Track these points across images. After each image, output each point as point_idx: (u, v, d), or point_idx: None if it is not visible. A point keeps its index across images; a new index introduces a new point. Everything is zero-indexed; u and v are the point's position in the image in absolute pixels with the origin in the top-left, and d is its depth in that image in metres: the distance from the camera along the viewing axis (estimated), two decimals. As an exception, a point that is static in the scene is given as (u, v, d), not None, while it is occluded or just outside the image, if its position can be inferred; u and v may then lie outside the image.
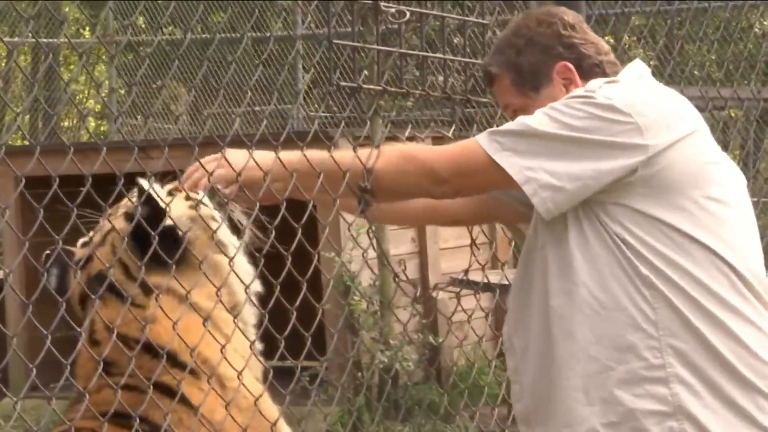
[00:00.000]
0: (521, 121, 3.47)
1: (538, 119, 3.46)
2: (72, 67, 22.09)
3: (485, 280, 4.84)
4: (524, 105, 3.64)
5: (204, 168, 3.62)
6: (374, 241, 3.77)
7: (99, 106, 21.22)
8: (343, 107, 13.88)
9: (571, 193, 3.40)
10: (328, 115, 15.25)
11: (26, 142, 18.46)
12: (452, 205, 3.92)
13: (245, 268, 3.73)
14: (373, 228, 3.95)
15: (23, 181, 3.14)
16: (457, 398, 9.30)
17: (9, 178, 10.91)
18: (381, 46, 3.96)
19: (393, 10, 3.83)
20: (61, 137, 19.58)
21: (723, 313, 3.43)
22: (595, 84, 3.55)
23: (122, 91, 19.07)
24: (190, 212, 3.63)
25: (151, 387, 3.42)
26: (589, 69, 3.65)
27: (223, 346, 3.51)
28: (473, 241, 4.53)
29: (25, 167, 3.35)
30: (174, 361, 3.54)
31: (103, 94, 19.85)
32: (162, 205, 3.54)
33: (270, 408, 3.66)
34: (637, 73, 3.68)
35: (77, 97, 22.15)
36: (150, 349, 3.52)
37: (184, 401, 3.51)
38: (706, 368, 3.41)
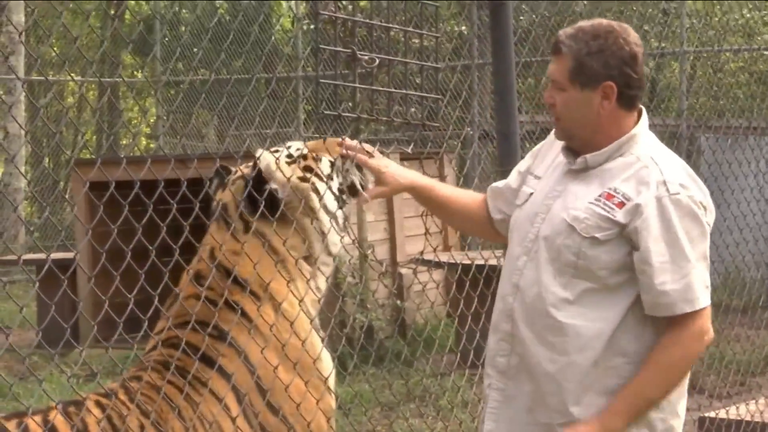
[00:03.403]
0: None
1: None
2: (128, 99, 22.02)
3: (436, 260, 4.80)
4: (565, 88, 3.39)
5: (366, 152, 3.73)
6: (352, 230, 3.74)
7: (148, 129, 21.13)
8: (329, 130, 13.85)
9: None
10: (318, 135, 15.20)
11: (92, 156, 18.34)
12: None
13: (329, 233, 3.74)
14: (355, 220, 3.95)
15: (88, 183, 3.13)
16: (416, 348, 9.29)
17: (81, 183, 10.87)
18: (357, 84, 3.94)
19: (366, 57, 3.81)
20: (118, 152, 19.51)
21: None
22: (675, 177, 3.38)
23: (165, 118, 19.01)
24: (294, 182, 3.66)
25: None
26: (625, 98, 3.38)
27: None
28: (427, 230, 4.50)
29: (89, 174, 3.34)
30: (243, 286, 3.57)
31: (151, 120, 19.75)
32: (274, 174, 3.62)
33: (313, 345, 3.64)
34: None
35: (132, 122, 22.08)
36: (229, 274, 3.56)
37: (247, 317, 3.53)
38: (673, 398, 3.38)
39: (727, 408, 6.98)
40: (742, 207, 7.73)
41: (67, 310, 9.65)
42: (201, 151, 15.73)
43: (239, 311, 3.52)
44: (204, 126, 19.18)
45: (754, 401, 7.18)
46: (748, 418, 6.75)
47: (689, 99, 13.53)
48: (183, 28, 19.55)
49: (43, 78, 18.27)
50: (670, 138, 13.44)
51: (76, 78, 19.14)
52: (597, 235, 3.33)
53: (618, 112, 3.39)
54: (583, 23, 3.45)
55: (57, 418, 3.22)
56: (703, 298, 3.31)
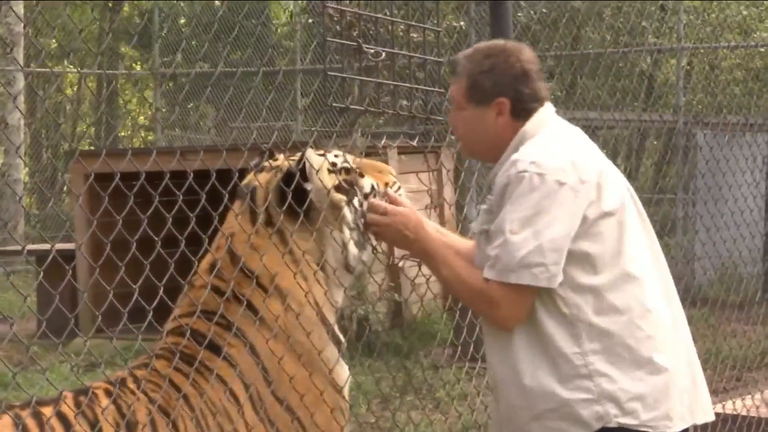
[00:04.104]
0: None
1: None
2: (127, 91, 22.00)
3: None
4: (464, 107, 3.50)
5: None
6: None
7: (147, 121, 21.13)
8: (333, 123, 13.85)
9: None
10: (321, 129, 15.21)
11: (92, 147, 18.34)
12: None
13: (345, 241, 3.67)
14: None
15: (93, 175, 3.13)
16: (416, 341, 9.31)
17: (80, 174, 10.85)
18: (363, 77, 3.94)
19: (372, 50, 3.81)
20: (117, 144, 19.51)
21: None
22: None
23: (164, 110, 19.00)
24: (333, 194, 3.62)
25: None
26: (520, 111, 3.47)
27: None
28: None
29: (93, 166, 3.33)
30: (257, 281, 3.53)
31: (149, 112, 19.74)
32: (314, 176, 3.58)
33: (318, 341, 3.60)
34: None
35: (131, 114, 22.07)
36: (246, 268, 3.52)
37: (254, 310, 3.51)
38: (617, 360, 3.32)
39: (723, 403, 6.99)
40: (739, 203, 7.74)
41: (66, 301, 9.65)
42: (199, 144, 15.72)
43: (253, 308, 3.50)
44: (202, 119, 19.19)
45: (750, 396, 7.20)
46: (744, 413, 6.77)
47: (686, 95, 13.54)
48: (182, 21, 19.53)
49: (43, 69, 18.25)
50: (668, 134, 13.46)
51: (76, 70, 19.14)
52: (485, 227, 3.40)
53: (515, 125, 3.47)
54: (481, 44, 3.59)
55: (68, 407, 3.22)
56: (509, 274, 3.27)
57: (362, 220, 3.67)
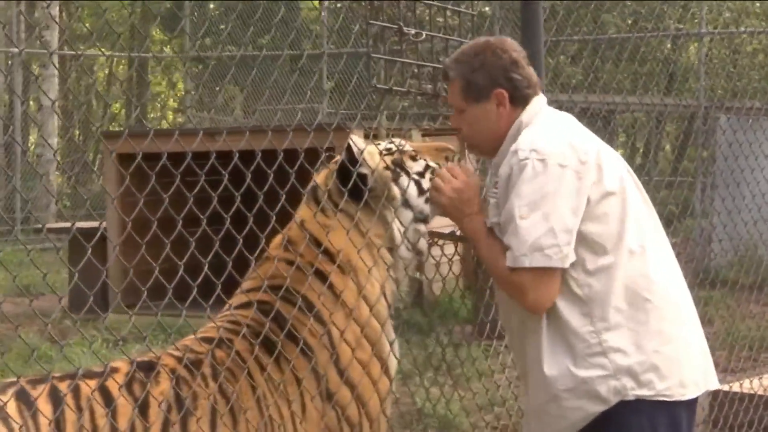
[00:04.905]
0: None
1: None
2: (156, 74, 22.05)
3: (458, 233, 4.75)
4: (463, 108, 3.58)
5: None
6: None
7: (176, 103, 21.20)
8: (357, 106, 13.86)
9: None
10: (346, 111, 15.25)
11: (122, 128, 18.43)
12: None
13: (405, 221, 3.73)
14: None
15: (141, 154, 3.18)
16: (436, 320, 9.32)
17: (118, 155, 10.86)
18: (404, 60, 3.97)
19: (413, 31, 3.85)
20: (146, 125, 19.59)
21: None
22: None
23: (193, 93, 19.07)
24: (383, 172, 3.68)
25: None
26: (518, 99, 3.53)
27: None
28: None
29: (125, 147, 3.36)
30: (330, 257, 3.61)
31: (179, 94, 19.81)
32: (368, 162, 3.65)
33: (379, 315, 3.67)
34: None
35: (160, 96, 22.14)
36: (319, 245, 3.60)
37: (330, 286, 3.57)
38: (630, 335, 3.40)
39: (741, 382, 7.03)
40: (761, 186, 7.75)
41: (95, 278, 9.68)
42: (228, 125, 15.77)
43: (326, 282, 3.55)
44: (230, 101, 19.25)
45: (765, 376, 7.22)
46: (761, 392, 6.81)
47: (707, 80, 13.50)
48: (212, 6, 19.58)
49: (88, 53, 18.32)
50: (689, 118, 13.45)
51: (107, 53, 19.22)
52: (495, 219, 3.47)
53: (514, 114, 3.55)
54: (464, 46, 3.68)
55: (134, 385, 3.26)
56: (523, 258, 3.34)
57: (419, 200, 3.72)
